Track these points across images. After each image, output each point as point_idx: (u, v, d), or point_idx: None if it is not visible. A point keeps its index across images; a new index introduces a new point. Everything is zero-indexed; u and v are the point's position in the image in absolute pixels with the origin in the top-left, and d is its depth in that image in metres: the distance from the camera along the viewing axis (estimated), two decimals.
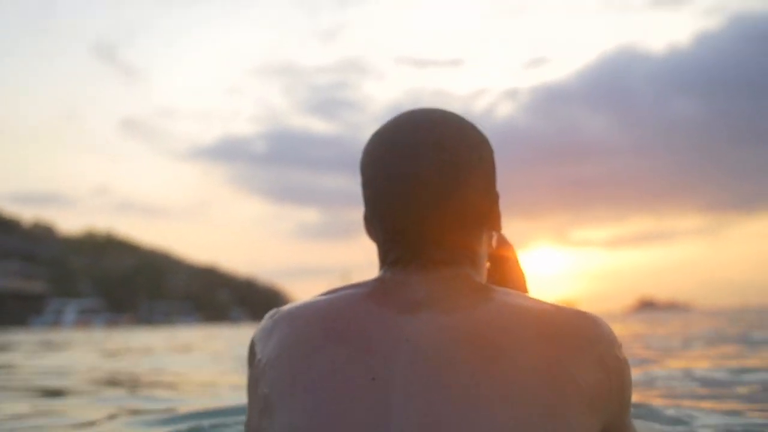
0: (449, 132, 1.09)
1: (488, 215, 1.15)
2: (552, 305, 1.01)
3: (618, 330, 1.07)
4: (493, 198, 1.15)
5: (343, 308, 1.03)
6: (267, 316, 1.11)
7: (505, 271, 1.30)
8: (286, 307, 1.10)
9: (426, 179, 1.05)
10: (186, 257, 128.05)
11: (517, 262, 1.32)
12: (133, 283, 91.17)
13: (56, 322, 54.46)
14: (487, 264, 1.25)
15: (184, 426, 2.46)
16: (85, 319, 56.34)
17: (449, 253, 1.09)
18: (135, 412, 2.95)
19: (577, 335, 0.96)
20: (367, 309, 1.02)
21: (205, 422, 2.48)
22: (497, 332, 0.94)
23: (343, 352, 0.96)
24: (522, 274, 1.32)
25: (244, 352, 1.22)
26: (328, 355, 0.96)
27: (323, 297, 1.08)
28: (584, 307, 1.03)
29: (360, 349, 0.96)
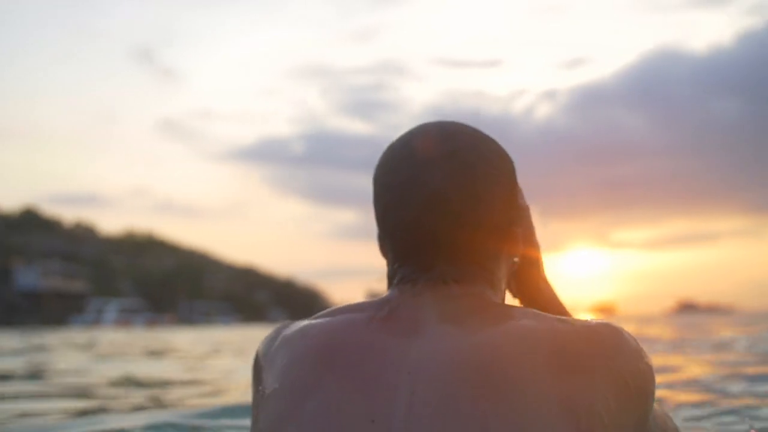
0: (464, 144, 1.05)
1: (507, 232, 1.09)
2: (569, 323, 0.95)
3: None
4: (512, 215, 1.10)
5: (344, 337, 0.98)
6: (270, 336, 1.08)
7: (523, 271, 1.24)
8: (289, 331, 1.04)
9: (439, 192, 1.01)
10: (225, 258, 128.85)
11: (540, 263, 1.27)
12: (172, 283, 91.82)
13: (97, 322, 54.95)
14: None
15: (197, 423, 2.55)
16: (125, 319, 56.84)
17: (462, 270, 1.04)
18: (149, 409, 3.04)
19: (596, 356, 0.91)
20: (369, 338, 0.96)
21: (213, 422, 2.56)
22: (508, 360, 0.88)
23: (341, 389, 0.91)
24: (543, 277, 1.27)
25: None
26: (326, 392, 0.91)
27: (326, 321, 1.03)
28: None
29: (359, 385, 0.91)
